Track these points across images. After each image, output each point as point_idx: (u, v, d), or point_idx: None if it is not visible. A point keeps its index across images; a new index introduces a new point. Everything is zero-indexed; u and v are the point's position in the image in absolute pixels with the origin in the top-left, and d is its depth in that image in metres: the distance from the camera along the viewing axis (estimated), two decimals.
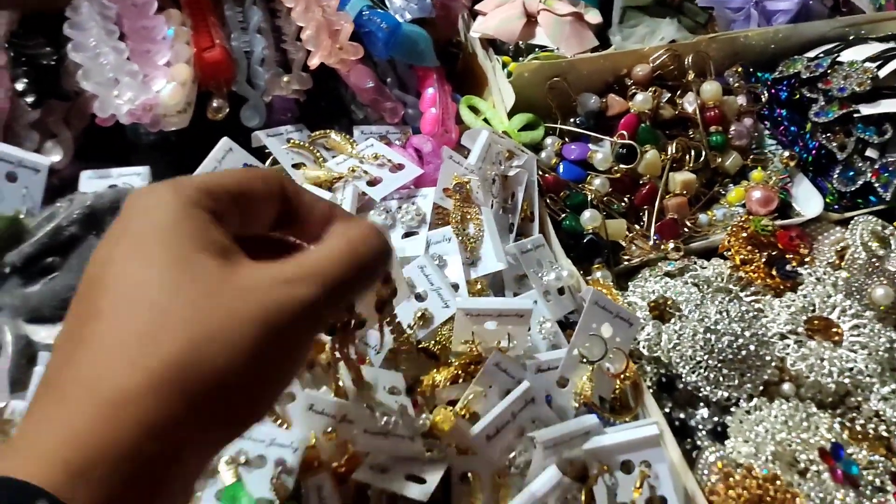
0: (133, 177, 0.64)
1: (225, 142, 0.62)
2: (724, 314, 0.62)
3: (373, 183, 0.64)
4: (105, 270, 0.29)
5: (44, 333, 0.54)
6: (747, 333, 0.62)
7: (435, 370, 0.57)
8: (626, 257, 0.69)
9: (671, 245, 0.68)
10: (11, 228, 0.58)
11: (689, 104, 0.75)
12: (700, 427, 0.61)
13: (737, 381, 0.61)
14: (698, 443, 0.60)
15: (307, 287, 0.30)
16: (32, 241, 0.55)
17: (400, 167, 0.66)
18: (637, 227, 0.71)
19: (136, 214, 0.30)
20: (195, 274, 0.28)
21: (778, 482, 0.56)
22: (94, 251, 0.30)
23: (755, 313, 0.63)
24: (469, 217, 0.64)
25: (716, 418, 0.61)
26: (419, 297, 0.59)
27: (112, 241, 0.30)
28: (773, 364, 0.62)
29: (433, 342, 0.59)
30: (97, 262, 0.29)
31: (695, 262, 0.69)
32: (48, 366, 0.28)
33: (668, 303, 0.64)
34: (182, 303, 0.28)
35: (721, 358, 0.61)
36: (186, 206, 0.30)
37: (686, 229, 0.71)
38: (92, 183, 0.63)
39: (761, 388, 0.61)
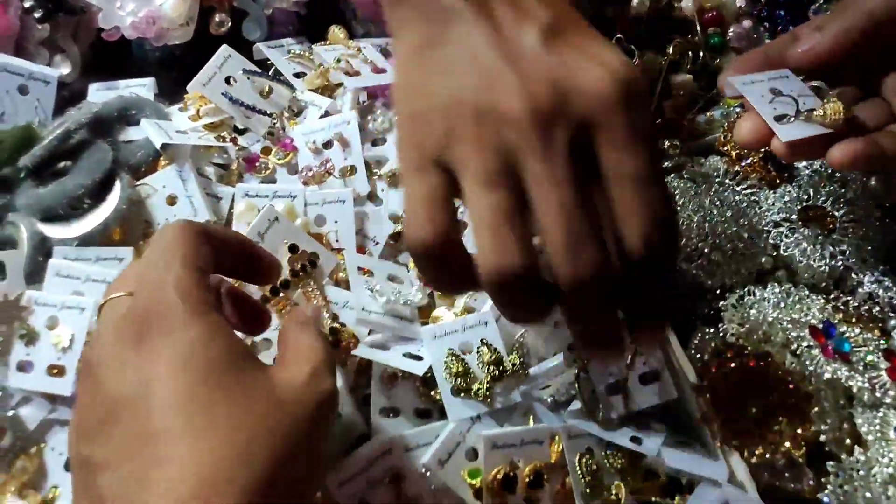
0: (139, 88, 0.66)
1: (224, 49, 0.64)
2: (719, 204, 0.63)
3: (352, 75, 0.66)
4: (148, 404, 0.32)
5: (57, 230, 0.57)
6: (741, 222, 0.63)
7: None
8: None
9: (668, 143, 0.69)
10: (25, 136, 0.60)
11: (687, 6, 0.75)
12: (693, 314, 0.62)
13: (731, 269, 0.62)
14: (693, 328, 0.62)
15: (327, 378, 0.37)
16: (43, 143, 0.58)
17: (382, 71, 0.67)
18: None
19: (161, 332, 0.33)
20: (243, 404, 0.33)
21: (769, 359, 0.57)
22: (119, 361, 0.33)
23: (749, 203, 0.64)
24: None
25: (711, 304, 0.62)
26: None
27: (144, 362, 0.33)
28: (768, 252, 0.63)
29: None
30: (132, 386, 0.32)
31: (692, 160, 0.69)
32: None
33: None
34: (241, 443, 0.31)
35: (715, 246, 0.62)
36: (206, 315, 0.34)
37: (683, 130, 0.72)
38: (100, 94, 0.66)
39: (755, 275, 0.63)
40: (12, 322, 0.52)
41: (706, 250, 0.62)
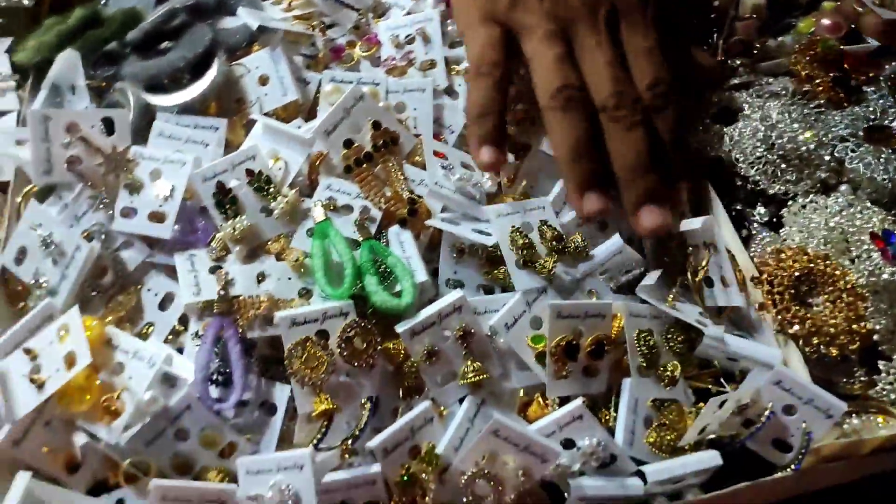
0: None
1: None
2: (786, 115, 0.65)
3: None
4: None
5: (159, 99, 0.61)
6: (807, 134, 0.64)
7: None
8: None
9: (739, 62, 0.71)
10: (130, 17, 0.65)
11: None
12: (756, 219, 0.64)
13: (794, 177, 0.64)
14: (753, 232, 0.63)
15: None
16: (149, 20, 0.62)
17: None
18: (705, 47, 0.73)
19: None
20: None
21: (828, 260, 0.59)
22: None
23: (816, 116, 0.66)
24: None
25: (773, 211, 0.64)
26: None
27: None
28: (832, 165, 0.64)
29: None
30: None
31: (761, 78, 0.71)
32: None
33: (733, 108, 0.67)
34: None
35: (780, 154, 0.64)
36: None
37: (755, 52, 0.73)
38: None
39: (819, 188, 0.64)
40: (119, 172, 0.56)
41: (771, 157, 0.63)
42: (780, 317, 0.57)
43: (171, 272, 0.55)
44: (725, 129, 0.66)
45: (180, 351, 0.53)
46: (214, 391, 0.51)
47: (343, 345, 0.51)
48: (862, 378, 0.57)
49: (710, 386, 0.57)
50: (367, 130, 0.59)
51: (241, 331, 0.51)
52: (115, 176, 0.56)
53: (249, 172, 0.56)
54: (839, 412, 0.52)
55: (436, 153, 0.60)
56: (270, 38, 0.65)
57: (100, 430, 0.48)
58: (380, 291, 0.53)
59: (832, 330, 0.56)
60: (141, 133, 0.59)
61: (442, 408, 0.53)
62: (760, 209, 0.64)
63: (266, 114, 0.62)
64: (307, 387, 0.50)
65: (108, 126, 0.58)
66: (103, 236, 0.55)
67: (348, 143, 0.58)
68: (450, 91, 0.65)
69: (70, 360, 0.49)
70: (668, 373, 0.55)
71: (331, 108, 0.58)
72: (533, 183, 0.61)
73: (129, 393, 0.49)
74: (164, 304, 0.55)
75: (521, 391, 0.55)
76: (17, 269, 0.56)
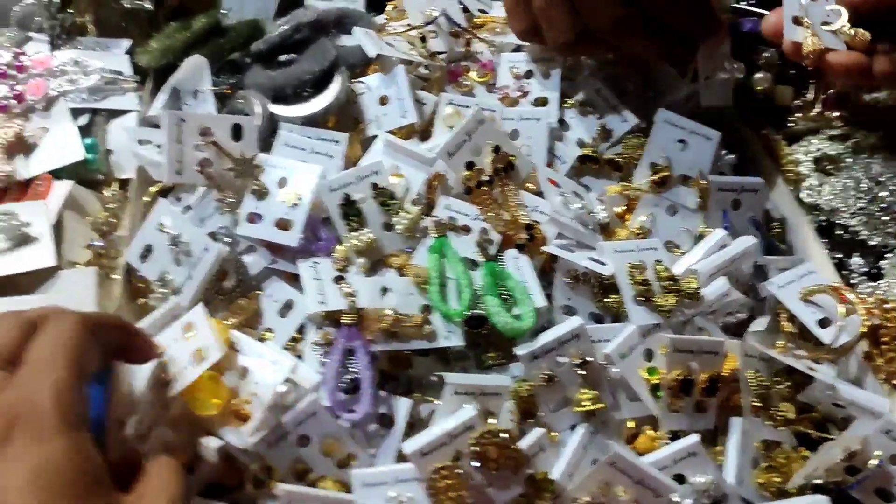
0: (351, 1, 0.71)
1: None
2: (888, 169, 0.66)
3: None
4: None
5: (285, 110, 0.62)
6: None
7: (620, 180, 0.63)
8: (790, 122, 0.73)
9: (836, 114, 0.72)
10: (253, 28, 0.66)
11: None
12: (854, 269, 0.65)
13: (895, 230, 0.65)
14: (852, 281, 0.64)
15: None
16: (277, 32, 0.64)
17: None
18: (804, 97, 0.74)
19: (25, 438, 0.32)
20: None
21: None
22: None
23: None
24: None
25: (872, 262, 0.65)
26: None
27: (4, 467, 0.32)
28: None
29: (618, 155, 0.65)
30: None
31: (860, 132, 0.72)
32: None
33: (833, 160, 0.68)
34: None
35: (882, 207, 0.65)
36: (74, 431, 0.33)
37: (849, 106, 0.74)
38: (316, 3, 0.71)
39: None
40: (246, 178, 0.57)
41: (872, 209, 0.65)
42: (884, 369, 0.57)
43: (291, 279, 0.56)
44: (826, 180, 0.67)
45: (299, 358, 0.53)
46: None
47: (480, 460, 0.48)
48: None
49: (811, 431, 0.57)
50: (487, 153, 0.60)
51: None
52: (242, 181, 0.57)
53: (375, 186, 0.57)
54: None
55: (549, 181, 0.61)
56: (389, 58, 0.66)
57: (227, 434, 0.48)
58: (502, 312, 0.53)
59: None
60: (263, 142, 0.60)
61: (552, 433, 0.53)
62: (858, 259, 0.65)
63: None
64: None
65: (234, 132, 0.59)
66: (229, 240, 0.56)
67: (470, 165, 0.59)
68: (561, 121, 0.66)
69: (199, 356, 0.48)
70: (781, 414, 0.55)
71: (454, 130, 0.59)
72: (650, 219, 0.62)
73: (255, 397, 0.49)
74: (282, 311, 0.55)
75: (631, 422, 0.55)
76: (141, 265, 0.56)
